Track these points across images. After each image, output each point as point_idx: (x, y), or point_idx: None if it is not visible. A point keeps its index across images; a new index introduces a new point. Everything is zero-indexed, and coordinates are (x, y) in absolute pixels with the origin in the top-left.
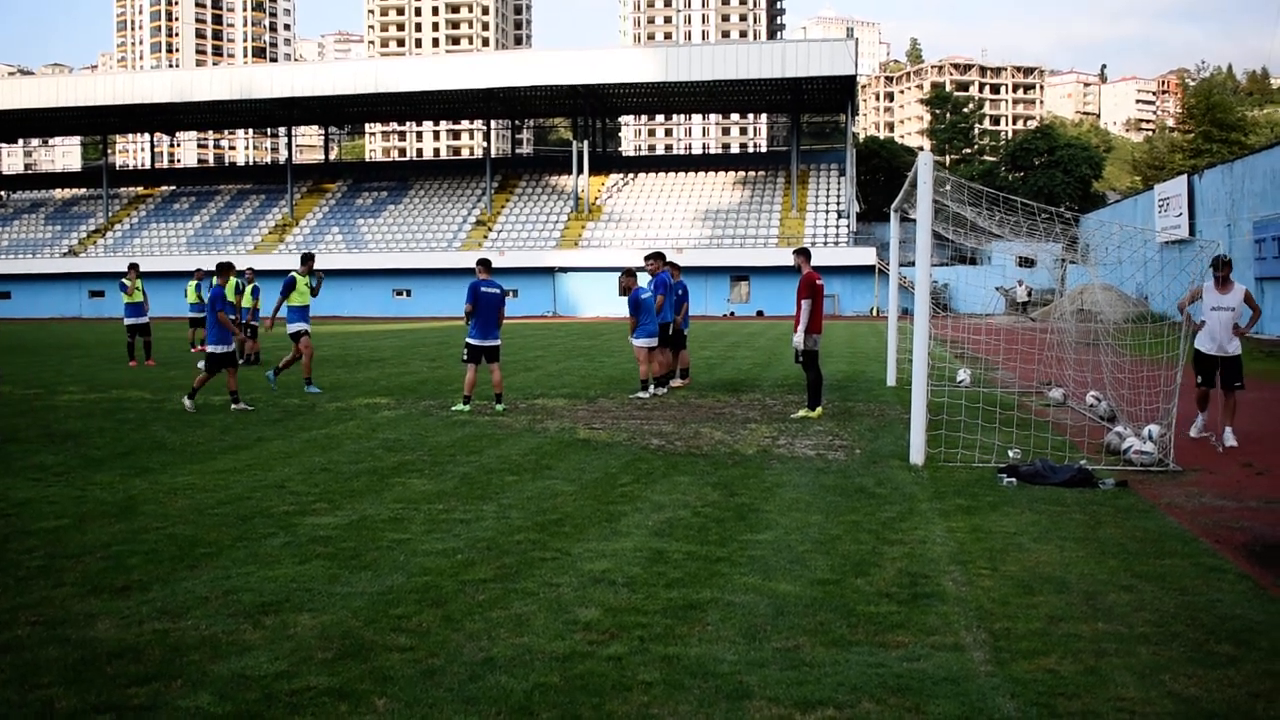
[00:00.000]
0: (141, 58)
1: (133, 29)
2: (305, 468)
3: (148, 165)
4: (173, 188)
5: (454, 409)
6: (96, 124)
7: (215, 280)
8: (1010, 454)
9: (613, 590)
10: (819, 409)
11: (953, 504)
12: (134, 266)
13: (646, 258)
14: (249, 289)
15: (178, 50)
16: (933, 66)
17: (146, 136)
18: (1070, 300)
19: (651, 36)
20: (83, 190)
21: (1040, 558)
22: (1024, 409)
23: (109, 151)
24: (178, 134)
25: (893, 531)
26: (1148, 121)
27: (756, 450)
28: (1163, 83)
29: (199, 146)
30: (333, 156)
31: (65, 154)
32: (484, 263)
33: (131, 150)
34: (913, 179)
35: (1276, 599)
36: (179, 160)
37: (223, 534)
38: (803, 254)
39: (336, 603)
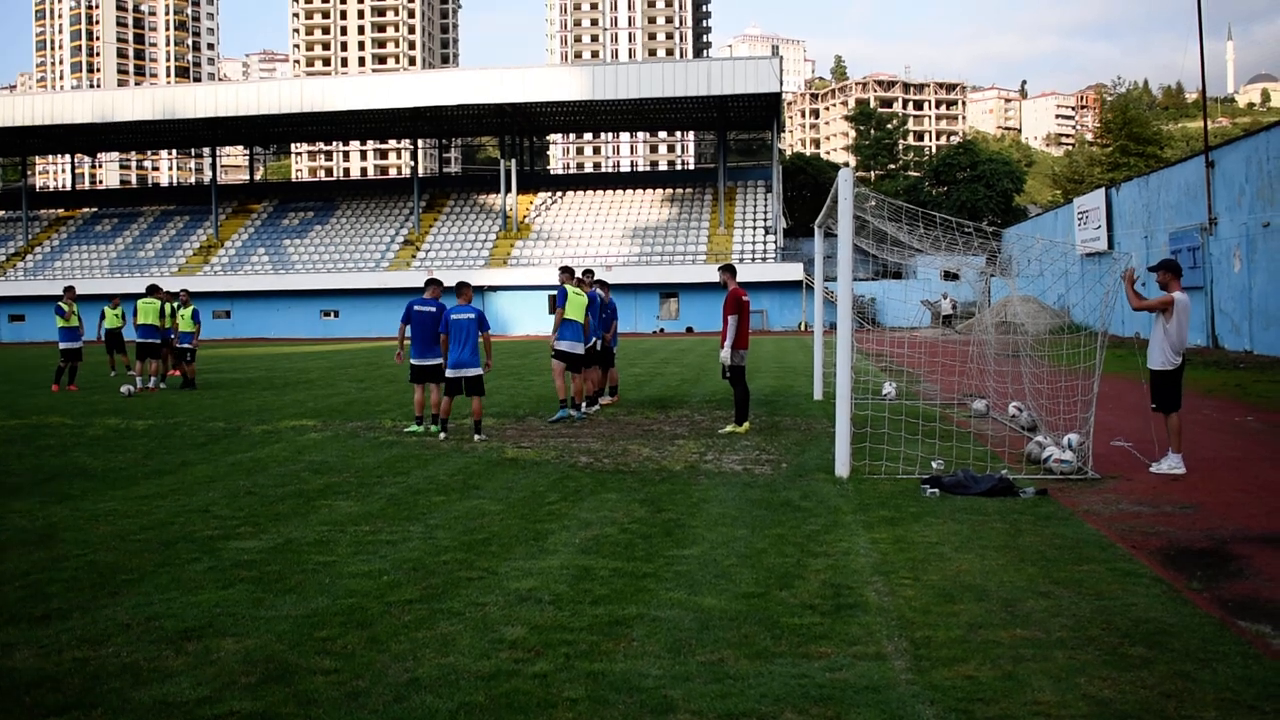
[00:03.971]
0: (62, 78)
1: (52, 48)
2: (230, 491)
3: (69, 186)
4: (95, 209)
5: (406, 430)
6: (15, 145)
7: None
8: (933, 465)
9: (539, 608)
10: (746, 424)
11: (876, 515)
12: (70, 290)
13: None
14: (188, 312)
15: (99, 70)
16: (857, 83)
17: (67, 157)
18: (994, 313)
19: (579, 55)
20: (1, 212)
21: (961, 566)
22: (947, 420)
23: (28, 173)
24: (100, 155)
25: (817, 544)
26: (1067, 136)
27: (684, 466)
28: (1081, 98)
29: (121, 167)
30: (258, 177)
31: None
32: (432, 283)
33: (52, 171)
34: (834, 195)
35: (1189, 602)
36: (101, 181)
37: (145, 560)
38: (728, 270)
39: (260, 626)
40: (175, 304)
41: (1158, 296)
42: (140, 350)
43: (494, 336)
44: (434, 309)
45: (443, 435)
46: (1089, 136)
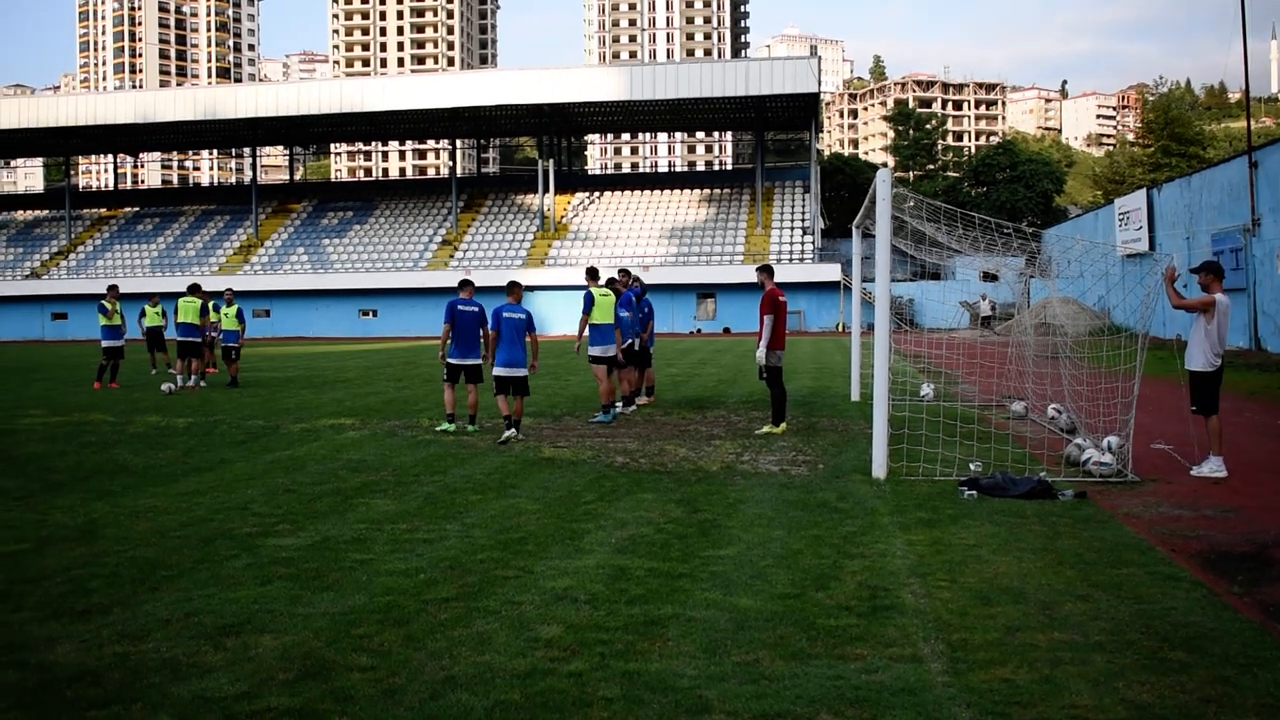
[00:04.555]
0: (105, 78)
1: (96, 49)
2: (269, 489)
3: (111, 186)
4: (136, 209)
5: (439, 429)
6: (59, 145)
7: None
8: (971, 467)
9: (574, 607)
10: (783, 425)
11: (913, 517)
12: (113, 288)
13: (607, 281)
14: (233, 311)
15: (141, 71)
16: (896, 84)
17: (110, 157)
18: (1033, 314)
19: (616, 55)
20: (45, 211)
21: (999, 569)
22: (985, 422)
23: (72, 173)
24: (141, 155)
25: (854, 545)
26: (1108, 136)
27: (720, 466)
28: (1122, 98)
29: (163, 167)
30: (298, 176)
31: (28, 175)
32: (468, 284)
33: (95, 171)
34: (872, 195)
35: (1230, 606)
36: (143, 181)
37: (185, 556)
38: (765, 271)
39: (298, 623)
40: (215, 301)
41: (1199, 297)
42: (181, 349)
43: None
44: (476, 308)
45: (511, 432)
46: (1130, 137)
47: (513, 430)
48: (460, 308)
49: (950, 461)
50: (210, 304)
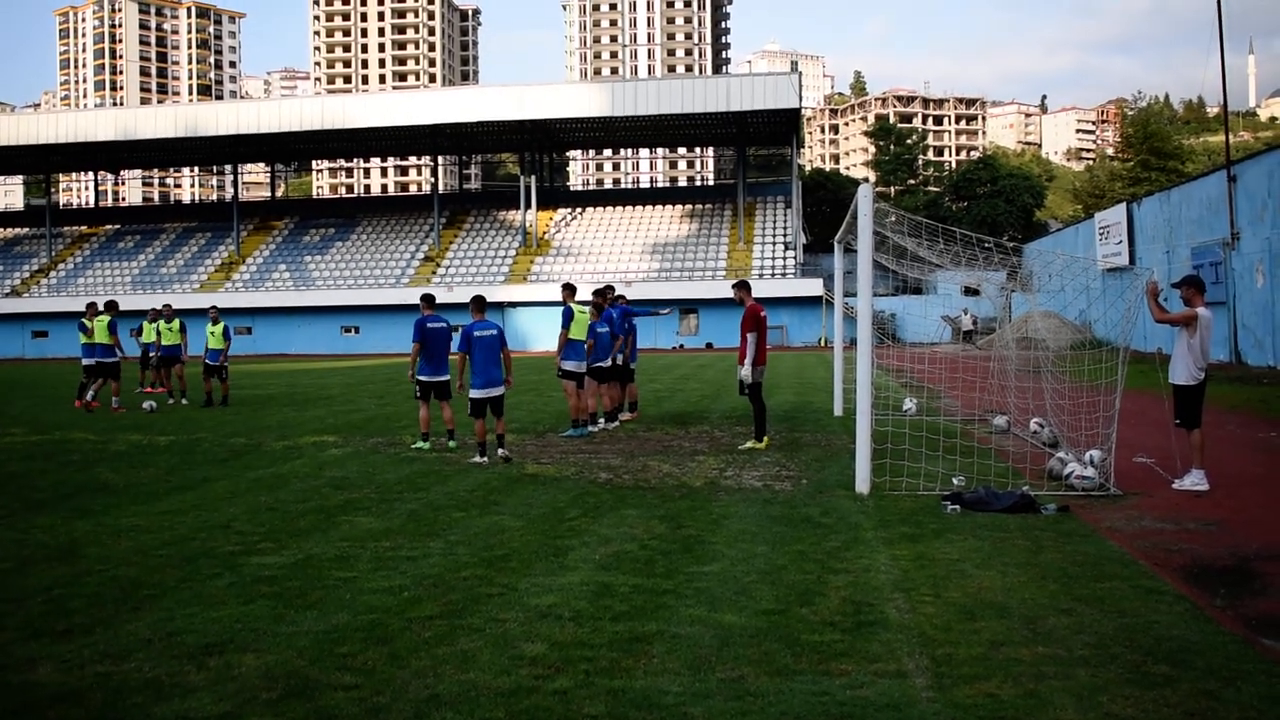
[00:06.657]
0: (85, 95)
1: (76, 67)
2: (251, 507)
3: (92, 204)
4: (117, 226)
5: (414, 446)
6: (39, 163)
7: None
8: (954, 481)
9: (559, 624)
10: (766, 440)
11: (897, 532)
12: (93, 306)
13: (594, 293)
14: (219, 329)
15: (122, 88)
16: (876, 99)
17: (90, 175)
18: (1015, 328)
19: (598, 71)
20: (25, 229)
21: (982, 583)
22: (968, 436)
23: (52, 190)
24: (122, 172)
25: (838, 560)
26: (1088, 151)
27: (704, 482)
28: (1102, 112)
29: (144, 185)
30: (279, 194)
31: (7, 193)
32: (429, 298)
33: (75, 189)
34: (854, 211)
35: (1212, 620)
36: (124, 199)
37: (167, 575)
38: (743, 287)
39: (281, 642)
40: (140, 321)
41: (1181, 311)
42: (102, 370)
43: (514, 352)
44: (444, 325)
45: (484, 459)
46: (1110, 151)
47: (491, 453)
48: (430, 325)
49: (933, 476)
50: (112, 321)
